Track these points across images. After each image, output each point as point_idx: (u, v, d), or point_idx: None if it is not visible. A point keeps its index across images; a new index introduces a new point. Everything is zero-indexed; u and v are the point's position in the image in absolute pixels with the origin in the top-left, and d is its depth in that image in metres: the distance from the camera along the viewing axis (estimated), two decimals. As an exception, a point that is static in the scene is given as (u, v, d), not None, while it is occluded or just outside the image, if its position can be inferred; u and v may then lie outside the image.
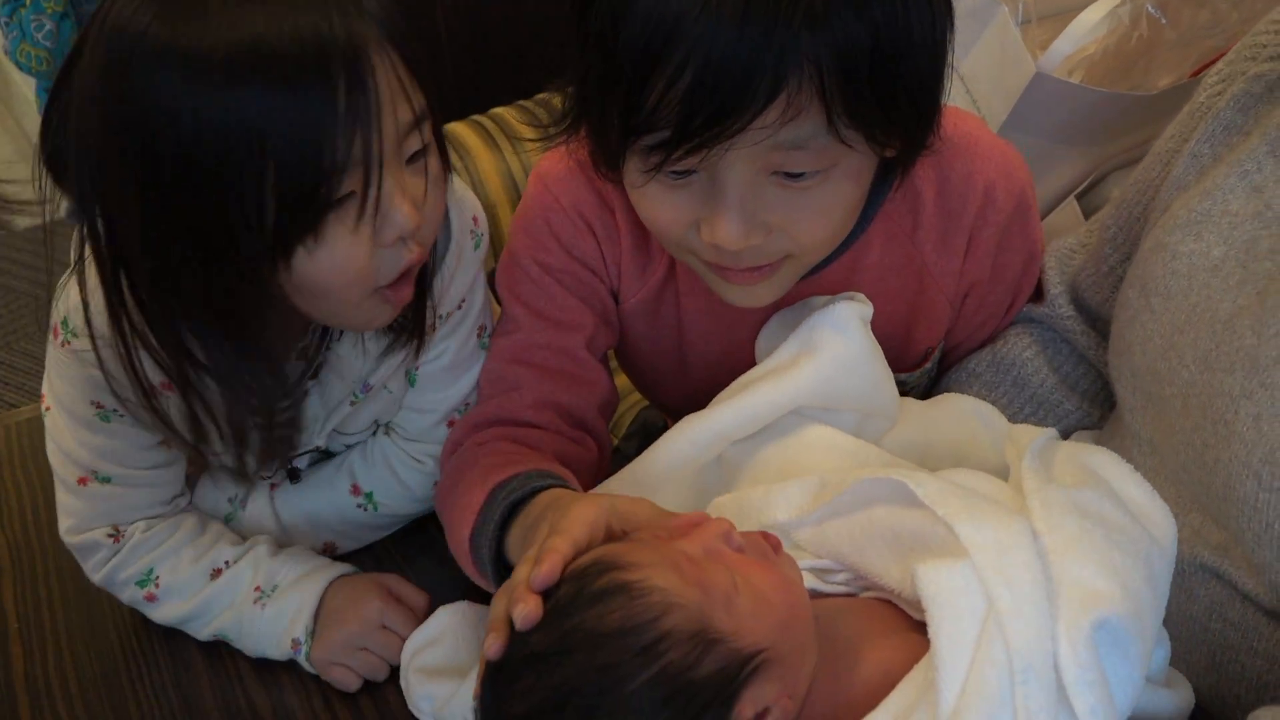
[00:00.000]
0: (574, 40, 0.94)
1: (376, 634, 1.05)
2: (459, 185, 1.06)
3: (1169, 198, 0.99)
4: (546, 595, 0.78)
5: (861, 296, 1.04)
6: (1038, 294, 1.16)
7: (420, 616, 1.06)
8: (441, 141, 0.95)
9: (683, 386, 1.22)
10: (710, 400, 1.15)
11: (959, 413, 1.06)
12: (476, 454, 1.07)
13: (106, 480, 1.06)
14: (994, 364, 1.14)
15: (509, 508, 0.97)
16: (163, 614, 1.11)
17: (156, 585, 1.10)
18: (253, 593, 1.08)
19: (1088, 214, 1.45)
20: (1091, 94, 1.39)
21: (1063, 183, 1.47)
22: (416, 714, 1.00)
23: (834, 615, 0.84)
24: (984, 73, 1.45)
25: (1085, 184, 1.47)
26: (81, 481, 1.06)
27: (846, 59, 0.84)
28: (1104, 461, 0.86)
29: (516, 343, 1.13)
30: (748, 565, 0.80)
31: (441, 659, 1.01)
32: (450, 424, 1.15)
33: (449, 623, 1.04)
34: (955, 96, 1.49)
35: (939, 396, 1.11)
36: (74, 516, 1.09)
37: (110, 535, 1.09)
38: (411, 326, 1.04)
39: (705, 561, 0.79)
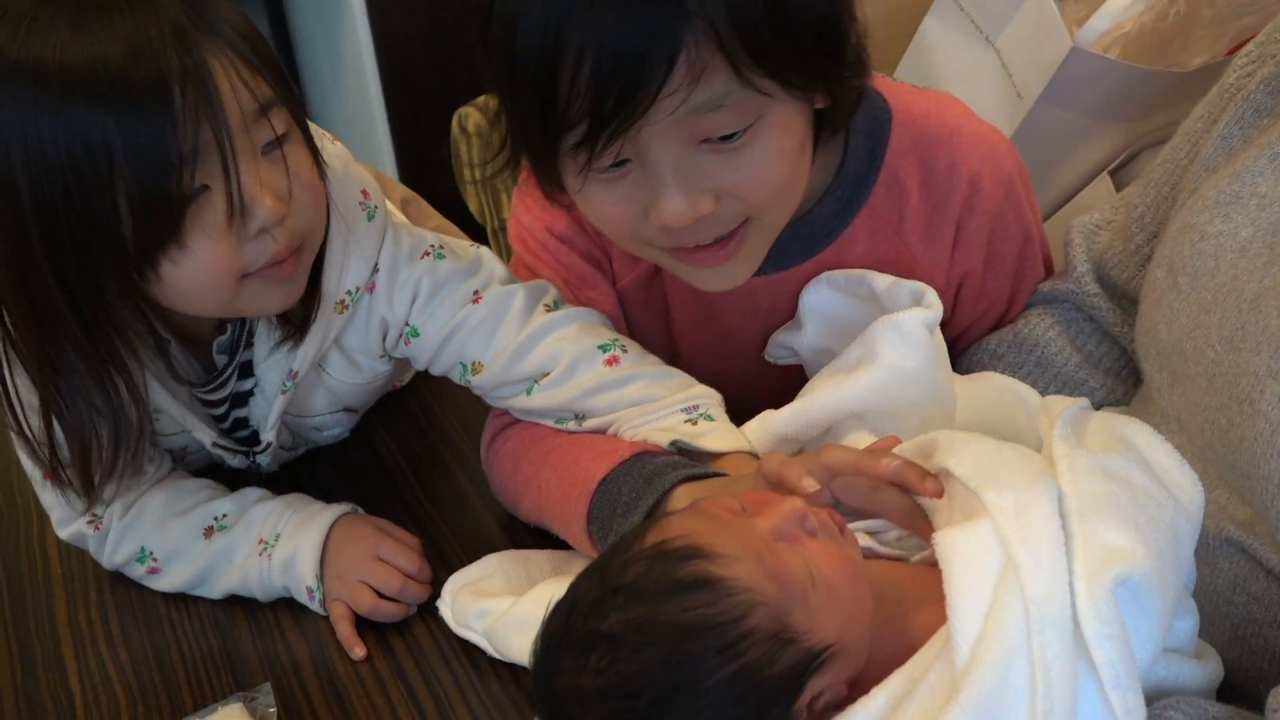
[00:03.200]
0: (481, 65, 0.94)
1: (372, 565, 1.08)
2: (341, 162, 1.07)
3: (1197, 179, 0.99)
4: (619, 569, 0.78)
5: (932, 298, 1.02)
6: (1057, 270, 1.17)
7: (415, 551, 1.11)
8: (308, 132, 0.97)
9: None
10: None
11: (997, 392, 1.06)
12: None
13: (66, 465, 1.08)
14: (1016, 344, 1.14)
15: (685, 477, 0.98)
16: (169, 582, 1.14)
17: (154, 559, 1.13)
18: (257, 545, 1.11)
19: (1121, 190, 1.45)
20: (1127, 70, 1.39)
21: (1097, 158, 1.47)
22: (463, 632, 1.04)
23: (884, 580, 0.84)
24: (1020, 47, 1.45)
25: (1119, 160, 1.47)
26: (47, 476, 1.09)
27: (735, 7, 0.84)
28: (1135, 431, 0.86)
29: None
30: (820, 552, 0.80)
31: (493, 588, 1.05)
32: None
33: (496, 563, 1.08)
34: (990, 70, 1.49)
35: (978, 374, 1.11)
36: (54, 511, 1.14)
37: (90, 523, 1.13)
38: (296, 317, 1.06)
39: (783, 550, 0.79)
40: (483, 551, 1.11)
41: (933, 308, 1.00)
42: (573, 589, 0.81)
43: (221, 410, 1.16)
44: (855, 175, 1.07)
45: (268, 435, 1.16)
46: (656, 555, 0.78)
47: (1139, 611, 0.74)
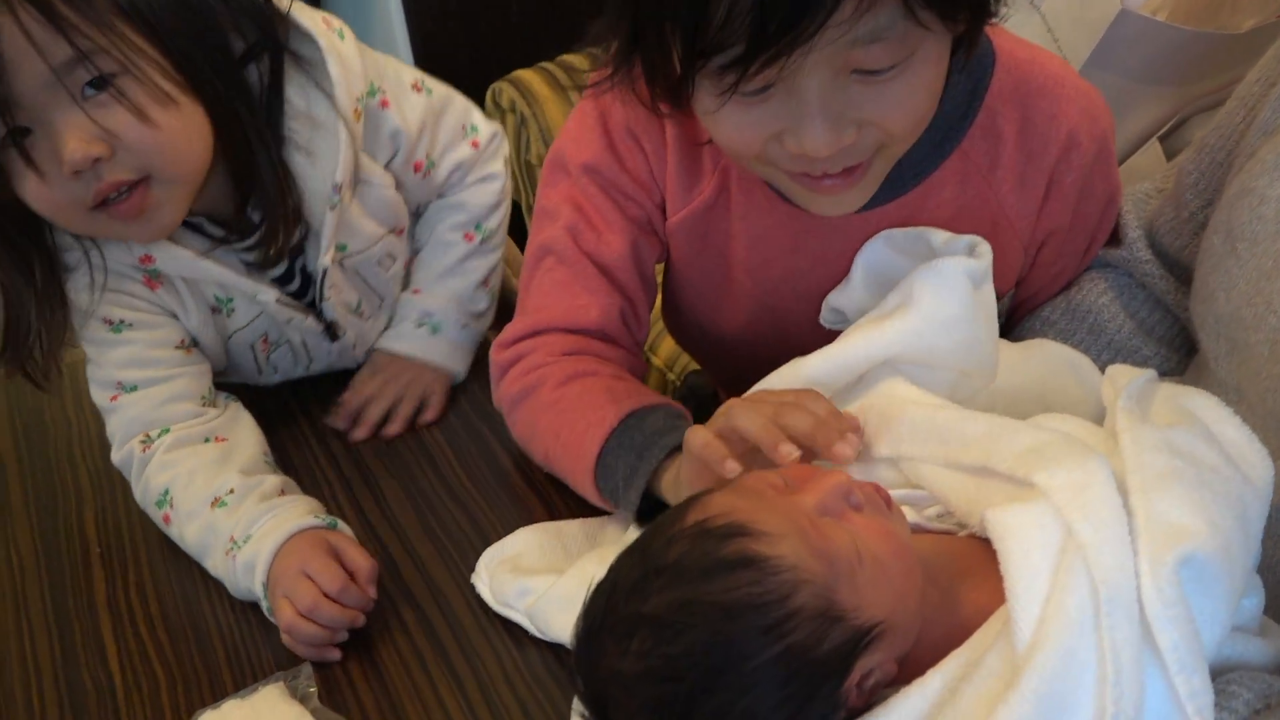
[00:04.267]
0: None
1: (295, 580, 1.04)
2: (342, 51, 1.18)
3: (1255, 142, 0.96)
4: (661, 549, 0.77)
5: (984, 249, 1.00)
6: (1114, 238, 1.14)
7: (364, 579, 1.05)
8: (143, 75, 1.00)
9: (726, 321, 1.21)
10: (750, 341, 1.15)
11: (1052, 361, 1.03)
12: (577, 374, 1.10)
13: (134, 389, 1.19)
14: (1069, 311, 1.12)
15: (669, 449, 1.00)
16: (177, 535, 1.16)
17: (171, 507, 1.15)
18: (228, 542, 1.10)
19: (1170, 156, 1.42)
20: (1177, 32, 1.36)
21: (1145, 124, 1.44)
22: (503, 611, 1.03)
23: (933, 555, 0.82)
24: (1066, 10, 1.42)
25: (1168, 126, 1.44)
26: (114, 399, 1.19)
27: None
28: (1202, 404, 0.84)
29: (551, 238, 1.14)
30: (867, 528, 0.79)
31: (531, 565, 1.04)
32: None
33: (529, 536, 1.08)
34: (1036, 33, 1.46)
35: (1033, 340, 1.08)
36: (115, 435, 1.20)
37: (142, 443, 1.17)
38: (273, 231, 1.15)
39: (828, 526, 0.77)
40: (521, 526, 1.10)
41: (981, 259, 0.98)
42: (613, 570, 0.80)
43: (282, 269, 1.22)
44: (951, 116, 1.04)
45: (324, 260, 1.20)
46: (698, 534, 0.76)
47: (1204, 592, 0.72)
